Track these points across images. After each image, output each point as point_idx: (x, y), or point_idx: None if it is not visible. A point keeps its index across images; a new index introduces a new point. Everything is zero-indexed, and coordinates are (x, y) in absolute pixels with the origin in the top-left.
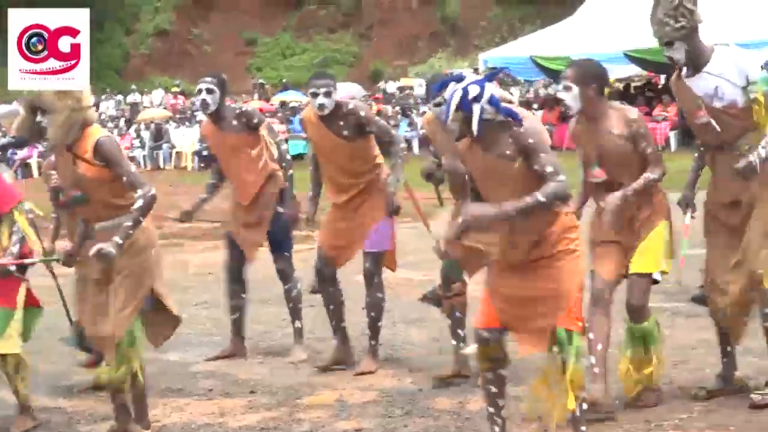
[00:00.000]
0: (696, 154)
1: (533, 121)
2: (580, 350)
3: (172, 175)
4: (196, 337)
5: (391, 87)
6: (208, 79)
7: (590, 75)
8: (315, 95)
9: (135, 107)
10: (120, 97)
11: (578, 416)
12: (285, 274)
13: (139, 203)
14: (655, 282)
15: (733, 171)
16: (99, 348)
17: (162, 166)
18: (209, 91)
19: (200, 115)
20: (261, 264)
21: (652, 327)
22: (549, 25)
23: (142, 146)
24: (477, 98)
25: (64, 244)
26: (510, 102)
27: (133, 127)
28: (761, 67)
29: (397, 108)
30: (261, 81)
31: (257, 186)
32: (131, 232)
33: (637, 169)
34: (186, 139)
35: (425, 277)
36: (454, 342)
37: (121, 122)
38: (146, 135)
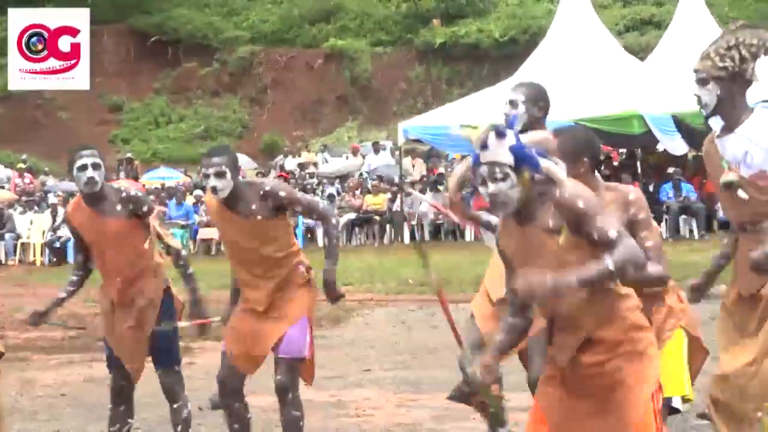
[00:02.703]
0: (726, 239)
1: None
2: None
3: (17, 272)
4: None
5: (290, 164)
6: (88, 152)
7: (580, 146)
8: (206, 176)
9: None
10: None
11: None
12: (172, 392)
13: None
14: (675, 411)
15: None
16: None
17: (4, 261)
18: (95, 167)
19: (52, 198)
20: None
21: None
22: (483, 87)
23: None
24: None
25: None
26: None
27: None
28: None
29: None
30: (129, 155)
31: (138, 283)
32: None
33: None
34: (35, 228)
35: (331, 398)
36: None
37: None
38: None
